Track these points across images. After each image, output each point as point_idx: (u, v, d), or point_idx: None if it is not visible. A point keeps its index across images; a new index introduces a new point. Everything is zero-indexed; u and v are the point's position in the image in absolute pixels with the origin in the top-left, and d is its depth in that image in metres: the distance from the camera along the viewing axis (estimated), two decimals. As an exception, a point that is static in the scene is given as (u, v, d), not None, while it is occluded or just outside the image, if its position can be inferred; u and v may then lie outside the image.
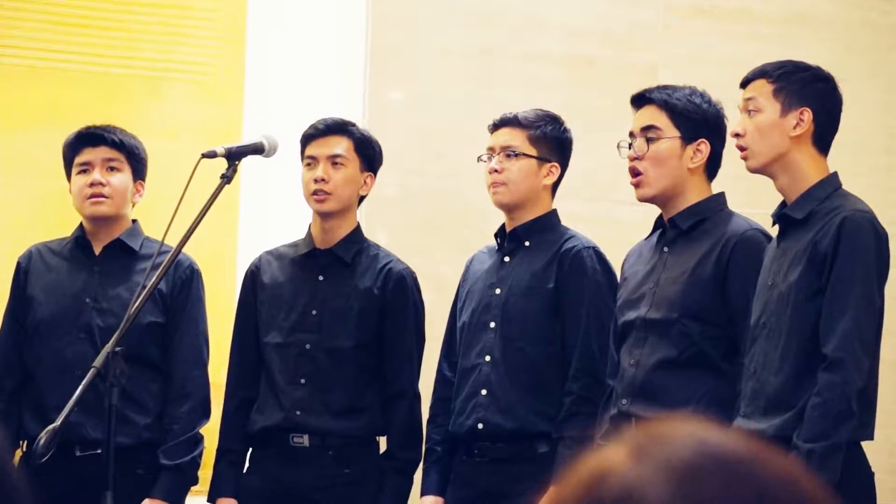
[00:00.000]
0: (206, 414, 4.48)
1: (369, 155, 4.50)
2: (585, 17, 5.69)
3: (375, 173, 4.53)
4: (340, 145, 4.46)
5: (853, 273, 3.58)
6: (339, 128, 4.49)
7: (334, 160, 4.44)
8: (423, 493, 4.42)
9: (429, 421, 4.47)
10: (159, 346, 4.45)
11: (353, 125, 4.53)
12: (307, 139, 4.48)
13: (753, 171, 3.79)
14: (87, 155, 4.48)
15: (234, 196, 5.41)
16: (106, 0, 5.57)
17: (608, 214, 5.08)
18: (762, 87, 3.77)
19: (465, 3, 5.63)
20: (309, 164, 4.46)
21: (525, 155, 4.35)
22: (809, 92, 3.76)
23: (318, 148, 4.45)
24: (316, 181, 4.41)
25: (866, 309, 3.58)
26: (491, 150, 4.39)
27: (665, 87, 4.08)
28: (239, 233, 5.55)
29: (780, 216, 3.76)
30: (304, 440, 4.36)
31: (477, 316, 4.38)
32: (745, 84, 3.82)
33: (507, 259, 4.40)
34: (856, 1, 5.88)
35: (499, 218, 4.46)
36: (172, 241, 3.87)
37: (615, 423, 3.93)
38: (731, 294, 3.89)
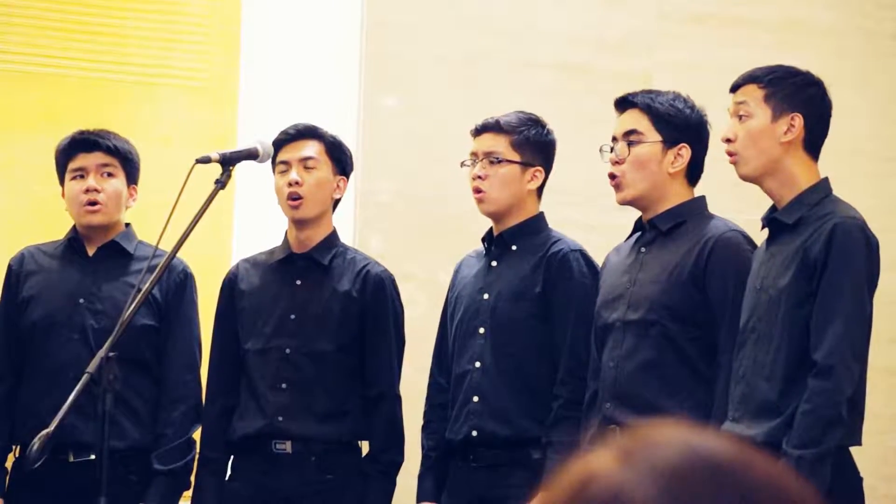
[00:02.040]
0: (198, 418, 4.47)
1: (341, 158, 4.50)
2: (580, 24, 5.69)
3: (348, 177, 4.53)
4: (311, 148, 4.47)
5: (844, 280, 3.58)
6: (309, 132, 4.49)
7: (306, 163, 4.45)
8: (418, 500, 4.41)
9: (423, 427, 4.47)
10: (152, 349, 4.45)
11: (323, 130, 4.53)
12: (278, 145, 4.46)
13: (744, 177, 3.79)
14: (82, 160, 4.47)
15: (228, 201, 5.41)
16: (100, 6, 5.57)
17: (603, 220, 5.08)
18: (753, 92, 3.77)
19: (461, 10, 5.63)
20: (282, 171, 4.46)
21: (508, 161, 4.34)
22: (800, 97, 3.76)
23: (289, 153, 4.46)
24: (290, 185, 4.41)
25: (857, 316, 3.58)
26: (474, 155, 4.38)
27: (648, 92, 4.09)
28: (233, 238, 5.55)
29: (771, 220, 3.76)
30: (287, 446, 4.36)
31: (466, 322, 4.37)
32: (734, 88, 3.82)
33: (494, 264, 4.39)
34: (849, 8, 5.88)
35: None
36: (167, 246, 3.86)
37: (600, 428, 3.93)
38: (710, 294, 3.90)
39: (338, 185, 4.50)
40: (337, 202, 4.55)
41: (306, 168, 4.44)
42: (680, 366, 3.90)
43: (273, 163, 4.46)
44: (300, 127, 4.50)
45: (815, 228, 3.64)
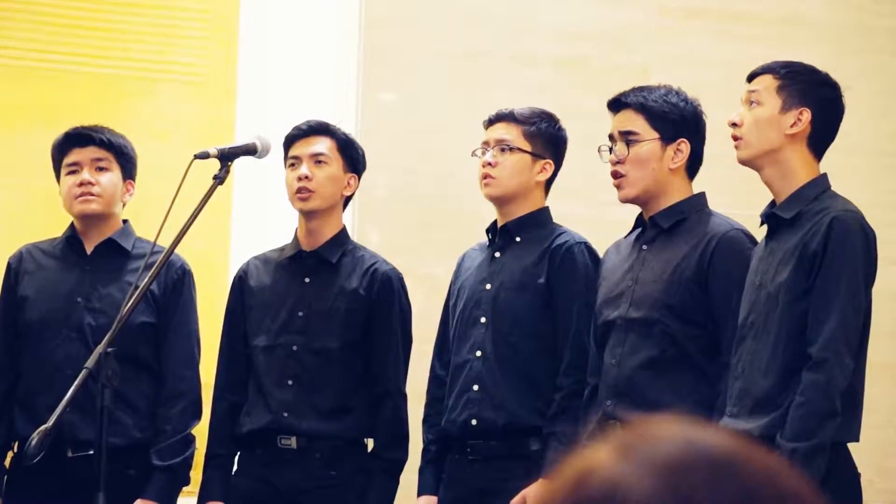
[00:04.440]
0: (197, 414, 4.48)
1: (352, 156, 4.51)
2: (578, 18, 5.69)
3: (359, 176, 4.54)
4: (323, 144, 4.48)
5: (840, 273, 3.58)
6: (321, 128, 4.51)
7: (317, 159, 4.46)
8: (419, 494, 4.42)
9: (423, 421, 4.48)
10: (151, 347, 4.46)
11: (336, 127, 4.54)
12: (290, 140, 4.49)
13: (742, 161, 3.80)
14: (76, 155, 4.48)
15: (226, 197, 5.41)
16: (99, 1, 5.57)
17: (603, 215, 5.08)
18: (767, 82, 3.78)
19: (458, 5, 5.63)
20: (292, 165, 4.47)
21: (520, 149, 4.36)
22: (813, 94, 3.76)
23: (300, 148, 4.47)
24: (299, 179, 4.42)
25: (852, 309, 3.58)
26: (486, 144, 4.40)
27: (641, 89, 4.09)
28: (231, 234, 5.55)
29: (769, 216, 3.77)
30: (292, 442, 4.37)
31: (468, 311, 4.38)
32: (751, 77, 3.84)
33: (497, 254, 4.40)
34: (848, 3, 5.88)
35: (491, 218, 4.46)
36: (165, 242, 3.87)
37: (600, 424, 3.94)
38: (712, 293, 3.90)
39: (348, 183, 4.51)
40: (348, 200, 4.56)
41: (317, 163, 4.45)
42: (682, 364, 3.91)
43: (284, 157, 4.48)
44: (313, 123, 4.52)
45: (813, 223, 3.64)
